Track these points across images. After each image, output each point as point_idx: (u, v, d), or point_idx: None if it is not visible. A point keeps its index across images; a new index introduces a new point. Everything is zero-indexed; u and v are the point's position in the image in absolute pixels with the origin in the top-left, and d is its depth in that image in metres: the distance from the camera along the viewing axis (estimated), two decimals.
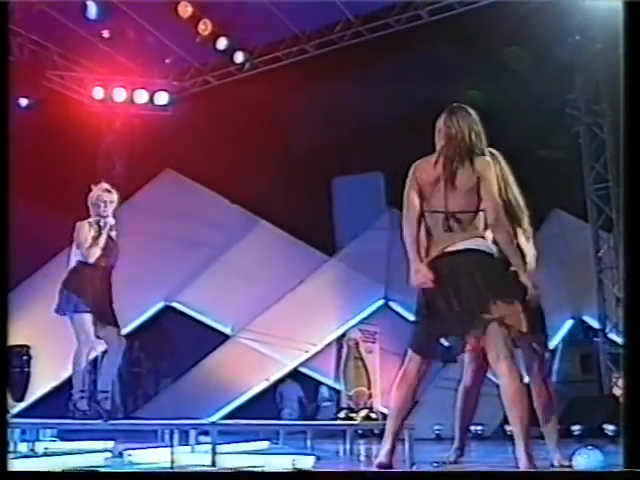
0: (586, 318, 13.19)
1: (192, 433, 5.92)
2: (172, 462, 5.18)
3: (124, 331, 6.19)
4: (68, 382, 6.11)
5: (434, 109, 4.22)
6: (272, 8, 11.52)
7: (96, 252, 5.88)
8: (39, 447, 6.26)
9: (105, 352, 6.05)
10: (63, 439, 7.05)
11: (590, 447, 4.09)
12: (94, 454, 5.92)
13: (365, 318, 13.63)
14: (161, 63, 13.07)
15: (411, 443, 5.07)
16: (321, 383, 14.04)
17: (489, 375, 4.63)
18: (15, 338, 8.79)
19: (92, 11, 10.93)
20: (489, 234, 4.01)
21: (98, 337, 5.91)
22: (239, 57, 12.51)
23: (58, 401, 8.30)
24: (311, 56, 12.68)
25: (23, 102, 11.95)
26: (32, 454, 5.95)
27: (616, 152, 11.96)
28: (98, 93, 12.97)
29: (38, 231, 10.77)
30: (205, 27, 11.74)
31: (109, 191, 6.05)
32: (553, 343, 12.95)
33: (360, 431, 7.78)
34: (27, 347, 10.09)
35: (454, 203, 3.91)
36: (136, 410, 13.35)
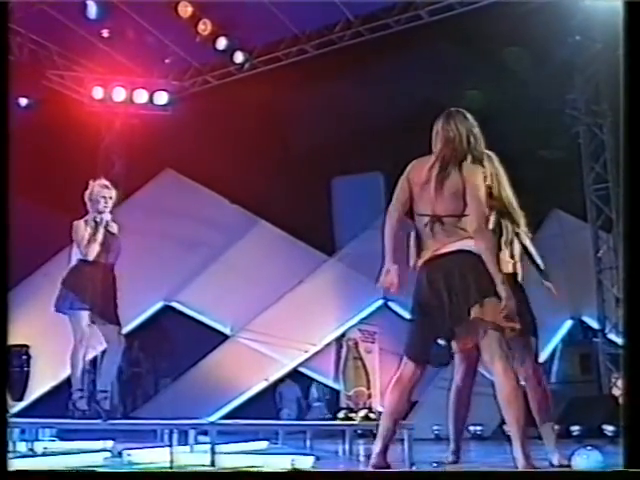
0: (585, 318, 13.17)
1: (191, 433, 5.92)
2: (171, 462, 5.18)
3: (123, 331, 6.18)
4: (67, 382, 6.11)
5: (434, 109, 4.23)
6: (272, 8, 11.52)
7: (95, 249, 5.87)
8: (38, 447, 6.27)
9: (104, 351, 6.05)
10: (62, 439, 7.05)
11: (589, 447, 4.08)
12: (93, 454, 5.91)
13: (364, 318, 13.61)
14: (161, 63, 13.07)
15: (410, 443, 5.08)
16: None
17: (487, 375, 4.63)
18: (15, 337, 8.81)
19: (92, 11, 10.93)
20: None
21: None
22: (239, 57, 12.51)
23: (57, 401, 8.32)
24: (311, 56, 12.66)
25: (23, 102, 11.93)
26: (31, 454, 5.96)
27: (616, 152, 11.96)
28: (98, 93, 12.96)
29: (38, 231, 10.75)
30: (205, 27, 11.75)
31: (107, 187, 6.01)
32: (552, 344, 13.03)
33: (359, 431, 7.77)
34: (27, 347, 10.12)
35: (441, 207, 3.91)
36: (135, 410, 13.36)
